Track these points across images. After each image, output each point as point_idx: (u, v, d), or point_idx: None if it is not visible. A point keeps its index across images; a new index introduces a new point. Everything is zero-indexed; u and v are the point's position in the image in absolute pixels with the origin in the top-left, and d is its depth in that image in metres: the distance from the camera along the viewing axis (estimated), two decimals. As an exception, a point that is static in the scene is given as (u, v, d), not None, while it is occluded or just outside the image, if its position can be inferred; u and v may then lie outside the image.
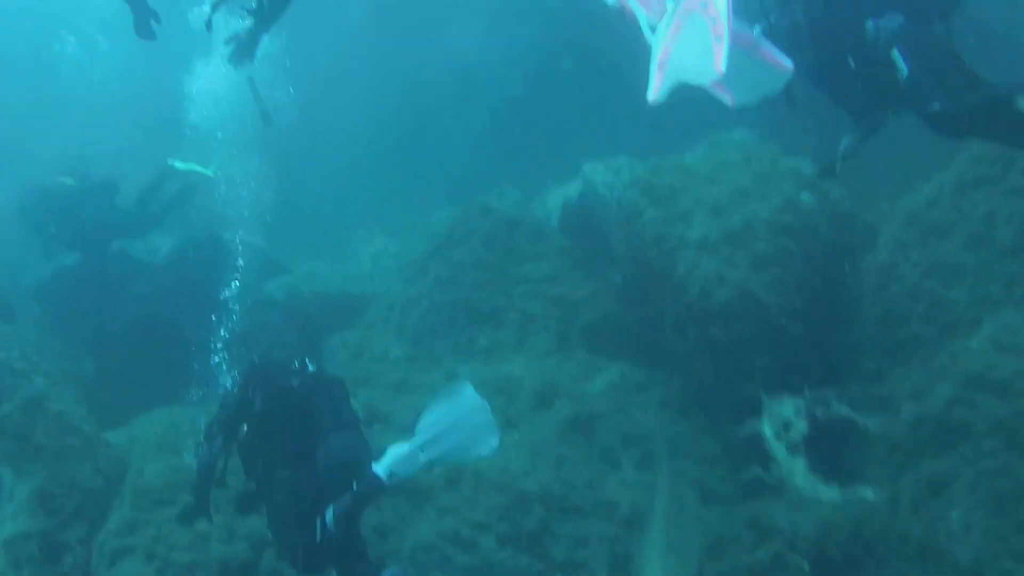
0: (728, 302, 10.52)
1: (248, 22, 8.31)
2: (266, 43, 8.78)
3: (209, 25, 8.44)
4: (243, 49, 8.52)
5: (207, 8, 8.44)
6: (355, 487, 6.63)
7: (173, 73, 17.67)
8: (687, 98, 5.49)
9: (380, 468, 6.76)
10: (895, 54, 5.73)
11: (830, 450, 9.81)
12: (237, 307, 15.20)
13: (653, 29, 5.41)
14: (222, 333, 14.15)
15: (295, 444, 7.01)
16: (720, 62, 5.00)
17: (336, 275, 17.93)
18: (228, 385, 8.02)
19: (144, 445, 11.35)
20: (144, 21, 8.55)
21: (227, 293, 15.26)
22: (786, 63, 5.75)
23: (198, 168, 16.69)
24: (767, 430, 10.18)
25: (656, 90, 5.31)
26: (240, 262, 14.02)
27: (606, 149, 14.15)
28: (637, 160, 12.97)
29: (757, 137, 13.24)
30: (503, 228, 13.94)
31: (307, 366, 7.59)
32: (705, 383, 10.66)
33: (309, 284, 16.86)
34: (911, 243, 10.78)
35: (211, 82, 16.35)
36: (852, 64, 6.14)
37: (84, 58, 23.87)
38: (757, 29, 5.90)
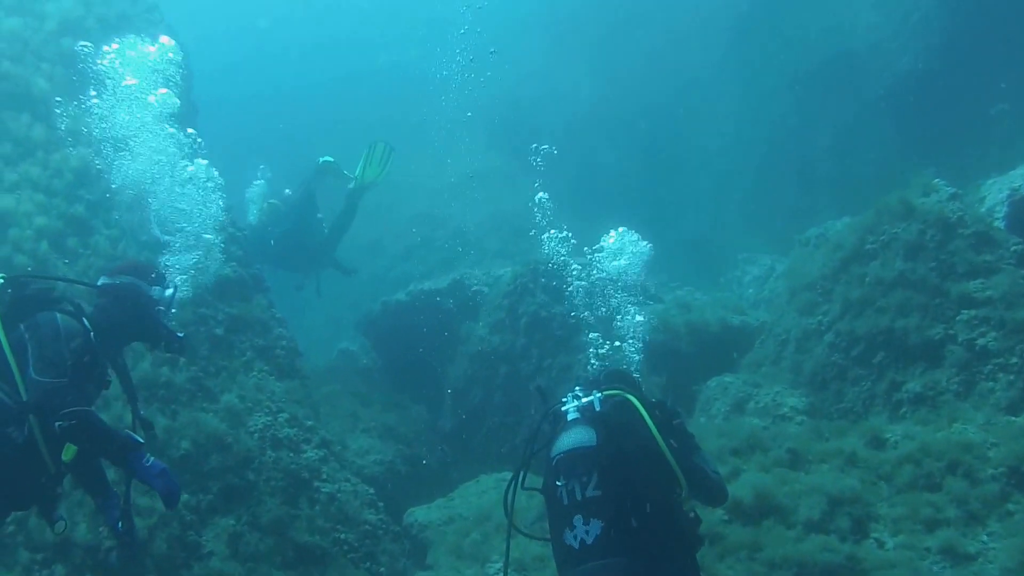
0: None
1: None
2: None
3: None
4: None
5: None
6: None
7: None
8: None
9: None
10: None
11: None
12: (593, 347, 12.87)
13: None
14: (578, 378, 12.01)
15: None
16: None
17: (714, 303, 14.95)
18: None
19: (459, 526, 8.91)
20: None
21: (584, 328, 12.98)
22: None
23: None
24: None
25: None
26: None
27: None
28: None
29: None
30: (935, 232, 10.52)
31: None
32: None
33: (682, 315, 13.96)
34: None
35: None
36: None
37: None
38: None
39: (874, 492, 7.80)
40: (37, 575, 7.37)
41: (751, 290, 17.20)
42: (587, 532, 4.88)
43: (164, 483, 5.14)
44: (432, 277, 17.10)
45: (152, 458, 5.20)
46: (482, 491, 10.30)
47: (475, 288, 15.27)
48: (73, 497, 7.67)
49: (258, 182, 16.19)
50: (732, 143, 21.66)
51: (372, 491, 9.40)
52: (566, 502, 5.04)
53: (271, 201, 15.71)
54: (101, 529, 7.21)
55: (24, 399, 5.01)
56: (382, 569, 8.39)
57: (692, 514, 5.14)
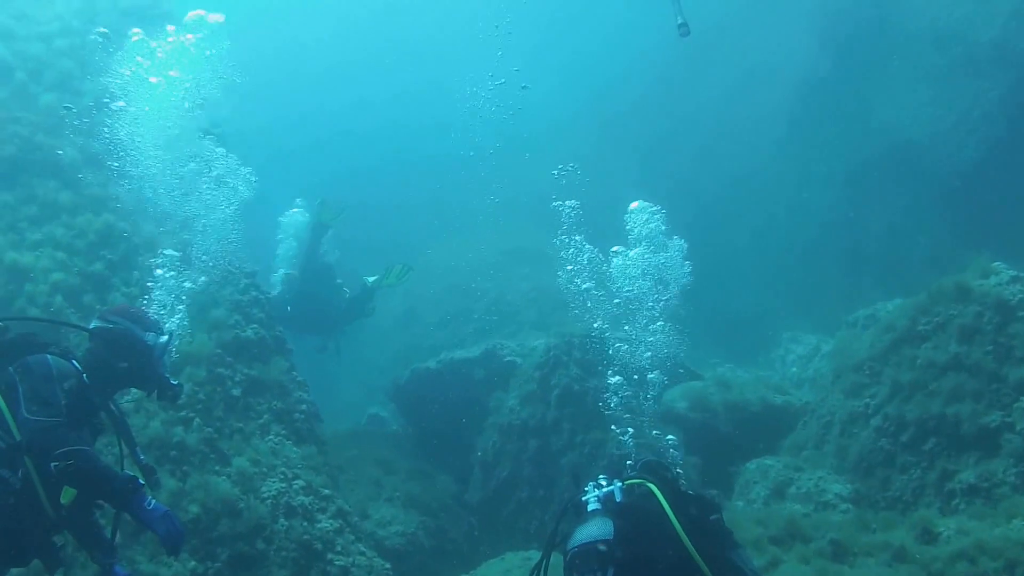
0: None
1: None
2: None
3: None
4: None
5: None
6: None
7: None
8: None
9: None
10: None
11: None
12: (627, 424, 12.43)
13: None
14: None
15: None
16: None
17: (755, 382, 14.43)
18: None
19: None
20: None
21: (613, 405, 12.50)
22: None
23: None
24: None
25: None
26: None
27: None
28: None
29: None
30: (993, 315, 10.07)
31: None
32: None
33: (721, 393, 13.46)
34: None
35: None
36: None
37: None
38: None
39: (925, 591, 7.23)
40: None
41: (794, 369, 16.68)
42: None
43: (166, 527, 4.73)
44: (464, 346, 16.75)
45: (154, 501, 4.81)
46: (507, 570, 9.81)
47: (508, 359, 14.86)
48: (76, 559, 7.31)
49: (293, 211, 16.18)
50: (782, 224, 21.38)
51: (388, 566, 8.87)
52: None
53: (288, 272, 15.69)
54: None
55: (17, 440, 4.68)
56: (394, 652, 7.90)
57: None
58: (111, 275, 9.75)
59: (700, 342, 18.66)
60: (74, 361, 5.11)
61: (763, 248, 21.90)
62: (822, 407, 11.74)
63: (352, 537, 8.75)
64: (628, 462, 5.78)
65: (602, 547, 4.72)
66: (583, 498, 5.08)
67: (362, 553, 8.62)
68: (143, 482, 4.93)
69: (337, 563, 8.22)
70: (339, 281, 16.13)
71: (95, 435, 5.21)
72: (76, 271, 9.50)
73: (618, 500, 4.96)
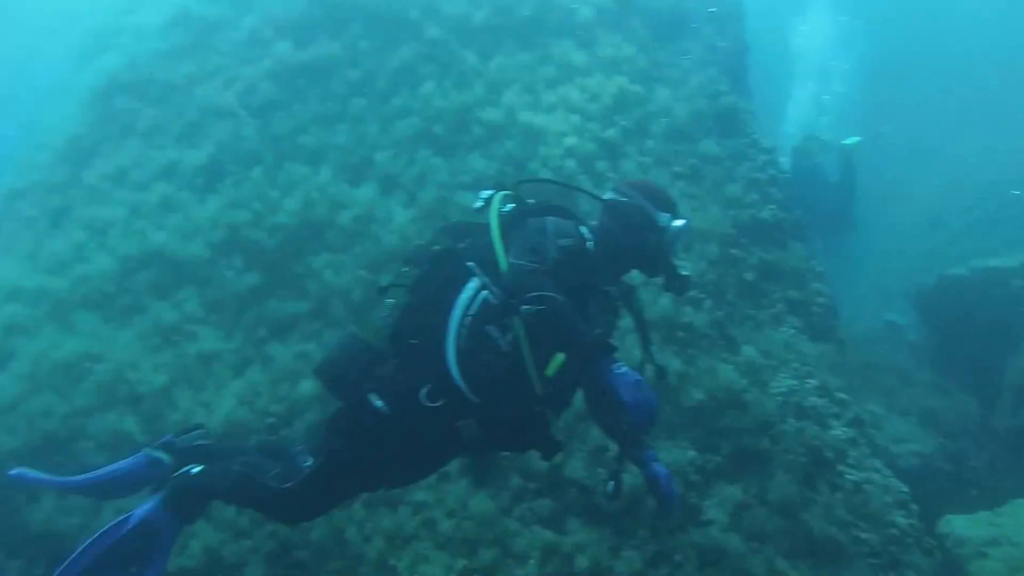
0: None
1: None
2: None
3: None
4: None
5: None
6: None
7: None
8: None
9: None
10: None
11: None
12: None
13: None
14: None
15: None
16: None
17: None
18: None
19: (1007, 552, 7.29)
20: None
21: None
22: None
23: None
24: None
25: None
26: None
27: None
28: None
29: None
30: None
31: None
32: None
33: None
34: None
35: None
36: None
37: None
38: None
39: None
40: (524, 505, 6.90)
41: None
42: None
43: (634, 396, 4.24)
44: (1000, 254, 14.81)
45: (626, 367, 4.34)
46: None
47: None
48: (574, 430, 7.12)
49: None
50: None
51: (906, 489, 7.84)
52: None
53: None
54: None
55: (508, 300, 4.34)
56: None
57: None
58: (624, 143, 9.40)
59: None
60: (583, 228, 4.72)
61: None
62: None
63: (867, 451, 7.79)
64: None
65: None
66: None
67: (877, 470, 7.65)
68: (616, 346, 4.42)
69: (849, 477, 7.32)
70: (833, 180, 14.97)
71: (607, 316, 4.74)
72: (589, 136, 9.26)
73: None
